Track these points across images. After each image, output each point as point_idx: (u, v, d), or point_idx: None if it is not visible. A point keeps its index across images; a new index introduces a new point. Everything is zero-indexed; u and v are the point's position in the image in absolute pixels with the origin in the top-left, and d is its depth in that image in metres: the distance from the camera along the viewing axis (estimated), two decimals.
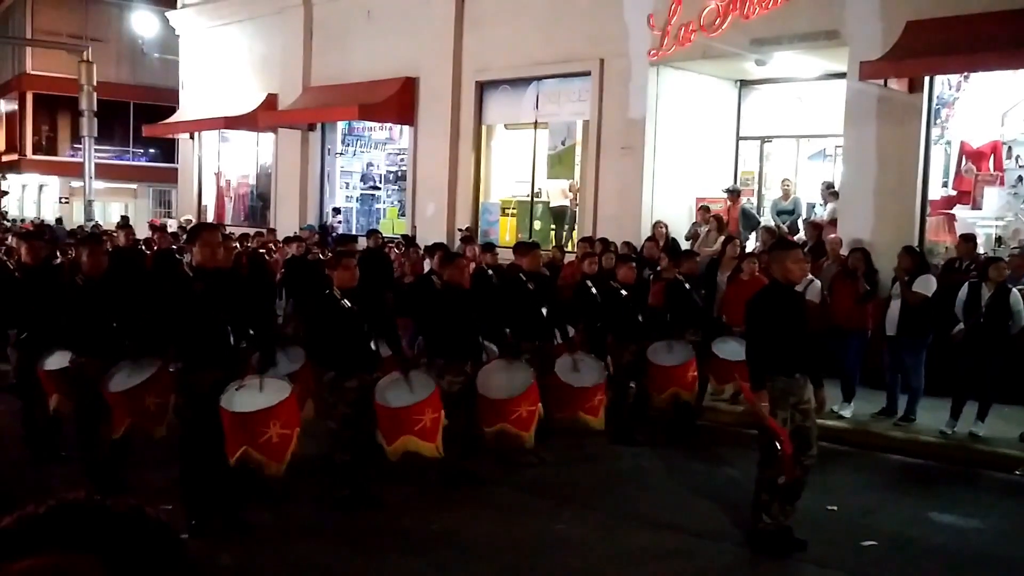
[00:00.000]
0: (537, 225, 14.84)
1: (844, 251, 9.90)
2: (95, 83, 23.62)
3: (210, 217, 20.62)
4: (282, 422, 5.49)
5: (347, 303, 6.16)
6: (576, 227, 14.18)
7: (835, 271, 9.58)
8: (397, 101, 15.93)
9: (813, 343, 5.71)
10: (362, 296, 6.34)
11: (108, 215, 31.18)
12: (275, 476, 5.63)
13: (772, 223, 12.57)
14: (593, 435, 7.59)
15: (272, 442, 5.44)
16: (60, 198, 37.75)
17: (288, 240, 12.45)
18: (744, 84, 13.80)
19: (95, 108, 23.62)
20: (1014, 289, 8.19)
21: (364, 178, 18.17)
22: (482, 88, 15.21)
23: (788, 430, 5.49)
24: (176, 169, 23.50)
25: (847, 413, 8.75)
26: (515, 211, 15.25)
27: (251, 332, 5.91)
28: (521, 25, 14.21)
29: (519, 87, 14.75)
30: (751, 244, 12.06)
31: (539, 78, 14.39)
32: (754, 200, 13.78)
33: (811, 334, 5.73)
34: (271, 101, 18.61)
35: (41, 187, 39.63)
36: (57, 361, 6.62)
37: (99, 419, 6.29)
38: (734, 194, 12.99)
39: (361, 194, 18.23)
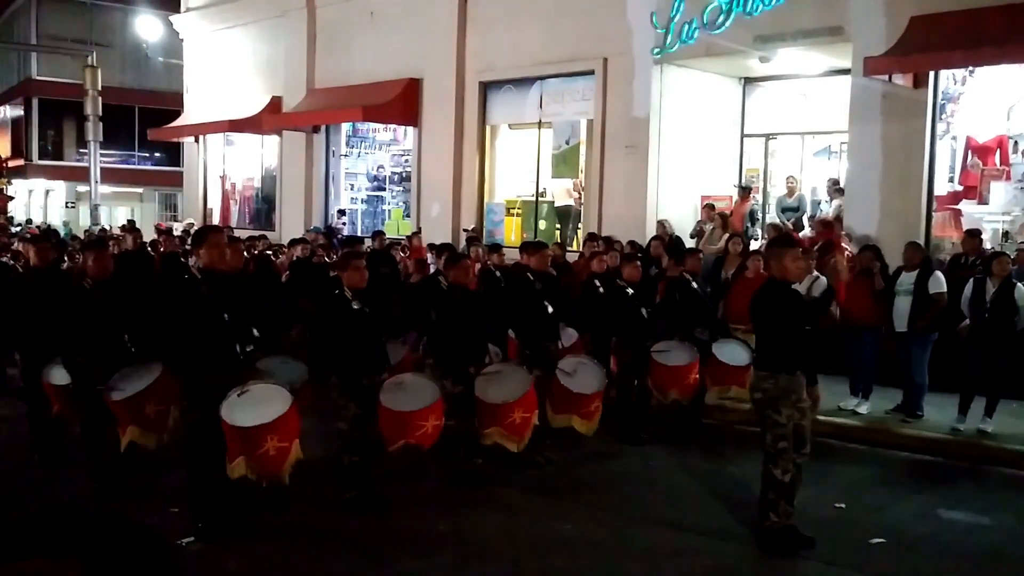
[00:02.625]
0: (542, 225, 14.82)
1: (853, 248, 9.87)
2: (100, 88, 23.68)
3: (216, 220, 20.65)
4: (279, 436, 5.47)
5: (357, 304, 6.17)
6: (581, 226, 14.17)
7: None
8: (401, 102, 15.94)
9: (812, 340, 5.68)
10: (371, 297, 6.35)
11: (114, 219, 31.31)
12: (276, 484, 5.63)
13: (777, 220, 12.54)
14: (598, 434, 7.58)
15: (269, 455, 5.43)
16: (66, 203, 37.93)
17: (293, 242, 12.46)
18: (748, 81, 13.76)
19: (100, 113, 23.69)
20: (1019, 284, 8.15)
21: (369, 179, 18.19)
22: (486, 88, 15.21)
23: (790, 427, 5.50)
24: (181, 172, 23.56)
25: (864, 410, 8.72)
26: (520, 211, 15.24)
27: (257, 335, 5.92)
28: (524, 25, 14.21)
29: (523, 87, 14.75)
30: (756, 243, 12.03)
31: (543, 78, 14.38)
32: (759, 198, 13.75)
33: (811, 331, 5.70)
34: (275, 104, 18.65)
35: (47, 192, 39.85)
36: (62, 375, 6.63)
37: (104, 423, 6.31)
38: (745, 191, 12.98)
39: (366, 195, 18.25)
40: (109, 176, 30.01)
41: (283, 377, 6.08)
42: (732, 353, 8.04)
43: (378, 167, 18.07)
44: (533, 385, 6.83)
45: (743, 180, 13.64)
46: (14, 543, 0.93)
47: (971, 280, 8.40)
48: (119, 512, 0.99)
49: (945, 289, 8.51)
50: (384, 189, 17.95)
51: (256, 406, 5.46)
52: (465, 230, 14.74)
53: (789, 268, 5.59)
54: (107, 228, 22.00)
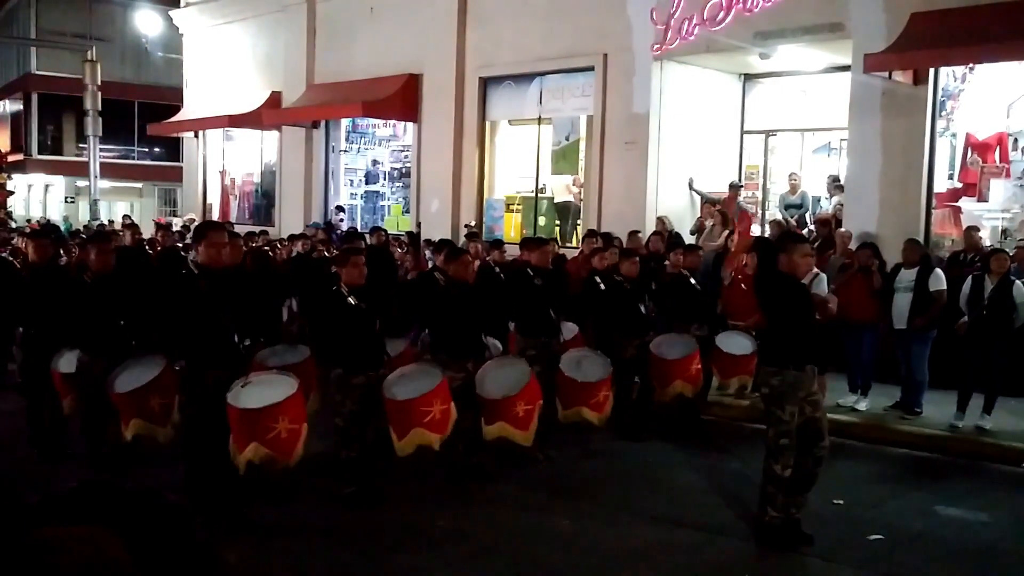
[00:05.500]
0: (542, 221, 14.81)
1: (853, 245, 9.87)
2: (99, 82, 23.62)
3: (215, 215, 20.62)
4: (290, 417, 5.50)
5: (354, 300, 6.18)
6: (580, 222, 14.17)
7: (840, 264, 9.55)
8: (401, 98, 15.92)
9: (818, 333, 5.71)
10: (369, 293, 6.35)
11: (114, 214, 31.28)
12: (285, 470, 5.64)
13: (780, 217, 12.55)
14: (598, 431, 7.59)
15: (280, 438, 5.44)
16: (66, 198, 37.90)
17: (293, 238, 12.46)
18: (748, 78, 13.74)
19: (100, 107, 23.63)
20: (1017, 281, 8.16)
21: (368, 175, 18.18)
22: (485, 84, 15.18)
23: (796, 424, 5.50)
24: (181, 168, 23.54)
25: (863, 407, 8.72)
26: (520, 207, 15.23)
27: (255, 330, 5.93)
28: (524, 21, 14.19)
29: (522, 83, 14.73)
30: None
31: (542, 73, 14.35)
32: (759, 194, 13.75)
33: (817, 326, 5.73)
34: (275, 99, 18.61)
35: (47, 187, 39.80)
36: (71, 363, 6.64)
37: (105, 417, 6.31)
38: (735, 188, 12.97)
39: (365, 191, 18.24)
40: (108, 171, 29.97)
41: (284, 360, 6.11)
42: (736, 343, 8.06)
43: (374, 162, 18.05)
44: (534, 377, 6.80)
45: (742, 177, 13.64)
46: (54, 511, 1.01)
47: (969, 277, 8.40)
48: (156, 489, 1.06)
49: (945, 287, 8.51)
50: (383, 185, 17.93)
51: (262, 393, 5.49)
52: (466, 226, 14.73)
53: (798, 264, 5.65)
54: (105, 224, 21.97)
